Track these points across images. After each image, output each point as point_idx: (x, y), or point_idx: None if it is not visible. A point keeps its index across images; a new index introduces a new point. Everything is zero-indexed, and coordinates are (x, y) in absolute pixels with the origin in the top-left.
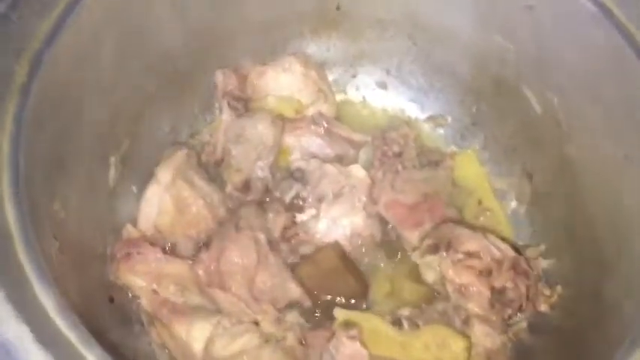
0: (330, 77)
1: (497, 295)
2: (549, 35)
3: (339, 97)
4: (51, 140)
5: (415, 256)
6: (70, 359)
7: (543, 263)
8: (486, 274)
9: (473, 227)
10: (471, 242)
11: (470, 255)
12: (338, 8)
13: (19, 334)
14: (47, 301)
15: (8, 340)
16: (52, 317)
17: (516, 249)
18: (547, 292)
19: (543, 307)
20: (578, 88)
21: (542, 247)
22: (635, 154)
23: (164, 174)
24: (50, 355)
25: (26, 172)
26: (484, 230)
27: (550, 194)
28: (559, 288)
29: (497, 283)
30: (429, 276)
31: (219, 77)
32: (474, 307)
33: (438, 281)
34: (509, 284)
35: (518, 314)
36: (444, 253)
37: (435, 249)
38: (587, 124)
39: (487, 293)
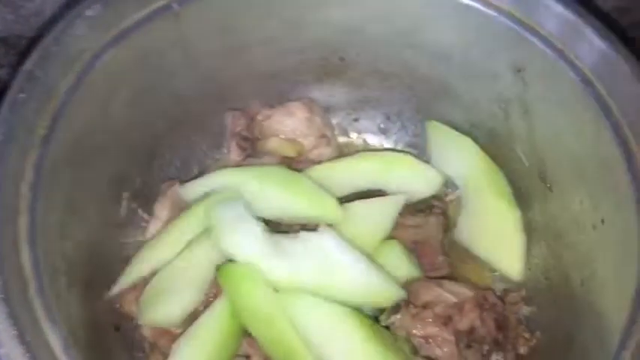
0: (334, 120)
1: (469, 335)
2: (536, 97)
3: (341, 139)
4: (66, 185)
5: (383, 320)
6: None
7: (524, 310)
8: (446, 320)
9: (430, 278)
10: (425, 294)
11: (425, 306)
12: (342, 59)
13: None
14: (55, 340)
15: None
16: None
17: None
18: (527, 335)
19: (522, 350)
20: (560, 151)
21: (523, 292)
22: (611, 220)
23: (161, 211)
24: None
25: (42, 217)
26: (440, 278)
27: (535, 247)
28: (538, 334)
29: (462, 326)
30: (401, 333)
31: (229, 119)
32: (444, 356)
33: (408, 337)
34: (476, 322)
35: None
36: (404, 310)
37: (397, 308)
38: (568, 186)
39: (451, 338)
